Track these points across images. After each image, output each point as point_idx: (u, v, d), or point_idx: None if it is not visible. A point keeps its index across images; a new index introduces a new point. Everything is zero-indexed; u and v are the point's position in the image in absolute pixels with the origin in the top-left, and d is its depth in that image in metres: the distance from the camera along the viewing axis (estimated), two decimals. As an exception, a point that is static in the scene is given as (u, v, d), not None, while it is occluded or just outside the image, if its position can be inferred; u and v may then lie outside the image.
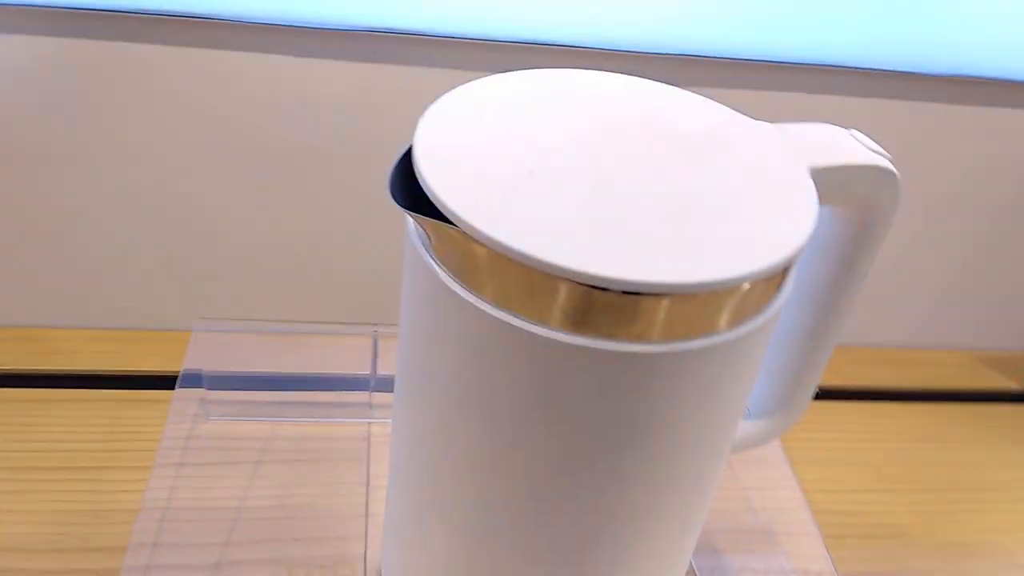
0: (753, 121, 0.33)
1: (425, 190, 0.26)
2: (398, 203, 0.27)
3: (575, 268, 0.24)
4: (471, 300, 0.27)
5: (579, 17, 0.54)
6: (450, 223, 0.26)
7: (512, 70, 0.33)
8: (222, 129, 0.57)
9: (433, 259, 0.28)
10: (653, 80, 0.34)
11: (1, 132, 0.56)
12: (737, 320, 0.28)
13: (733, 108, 0.34)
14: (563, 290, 0.25)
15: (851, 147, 0.33)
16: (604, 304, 0.25)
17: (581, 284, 0.25)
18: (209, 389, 0.55)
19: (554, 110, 0.31)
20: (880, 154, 0.33)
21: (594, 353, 0.26)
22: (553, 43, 0.54)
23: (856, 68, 0.58)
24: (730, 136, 0.32)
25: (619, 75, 0.34)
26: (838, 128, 0.34)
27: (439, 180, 0.27)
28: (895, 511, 0.59)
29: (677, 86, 0.34)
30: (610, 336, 0.26)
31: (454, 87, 0.32)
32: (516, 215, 0.26)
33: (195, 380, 0.55)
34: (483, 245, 0.25)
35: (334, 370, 0.58)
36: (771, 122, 0.33)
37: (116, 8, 0.52)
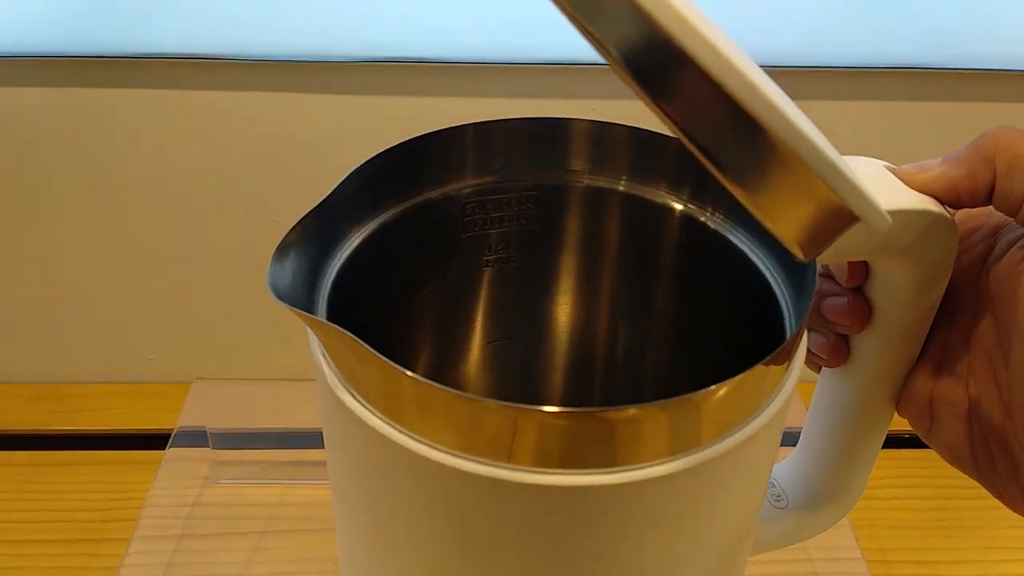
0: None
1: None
2: (280, 297, 0.21)
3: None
4: (355, 410, 0.21)
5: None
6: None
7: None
8: (231, 179, 0.53)
9: (324, 358, 0.22)
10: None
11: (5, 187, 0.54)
12: (722, 430, 0.21)
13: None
14: (469, 412, 0.19)
15: (890, 187, 0.25)
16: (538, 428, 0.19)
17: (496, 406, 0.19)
18: (215, 448, 0.51)
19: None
20: (930, 194, 0.25)
21: (531, 490, 0.20)
22: (563, 62, 0.49)
23: (843, 68, 0.50)
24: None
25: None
26: (871, 161, 0.26)
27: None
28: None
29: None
30: (548, 467, 0.20)
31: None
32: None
33: (192, 439, 0.50)
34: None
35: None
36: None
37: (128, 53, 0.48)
